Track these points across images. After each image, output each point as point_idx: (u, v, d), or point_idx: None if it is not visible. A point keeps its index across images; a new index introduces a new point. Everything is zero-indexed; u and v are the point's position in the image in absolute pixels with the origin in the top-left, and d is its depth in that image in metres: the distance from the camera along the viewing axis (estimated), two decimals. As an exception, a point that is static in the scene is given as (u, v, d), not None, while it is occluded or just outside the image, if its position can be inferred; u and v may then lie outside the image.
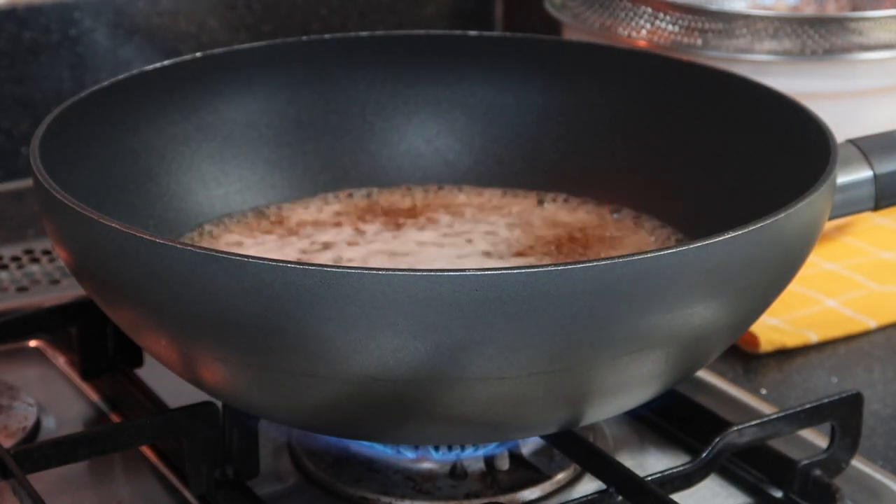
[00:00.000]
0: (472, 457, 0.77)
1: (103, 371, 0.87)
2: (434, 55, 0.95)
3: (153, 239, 0.65)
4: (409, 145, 0.95)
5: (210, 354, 0.68)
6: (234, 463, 0.75)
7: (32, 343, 0.92)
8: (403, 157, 0.95)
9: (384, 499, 0.76)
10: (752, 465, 0.79)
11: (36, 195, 0.73)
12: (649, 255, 0.64)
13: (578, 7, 1.07)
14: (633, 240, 0.87)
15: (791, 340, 0.93)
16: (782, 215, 0.68)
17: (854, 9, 1.13)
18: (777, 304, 0.74)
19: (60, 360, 0.91)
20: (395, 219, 0.90)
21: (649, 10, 1.02)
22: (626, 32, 1.03)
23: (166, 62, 0.90)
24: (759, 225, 0.67)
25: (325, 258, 0.85)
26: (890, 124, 0.87)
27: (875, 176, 0.79)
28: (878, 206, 0.80)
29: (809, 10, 1.14)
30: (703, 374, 0.87)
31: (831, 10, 1.14)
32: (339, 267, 0.62)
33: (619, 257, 0.63)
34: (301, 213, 0.90)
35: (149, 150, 0.87)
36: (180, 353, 0.70)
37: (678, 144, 0.88)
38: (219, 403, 0.74)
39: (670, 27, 1.01)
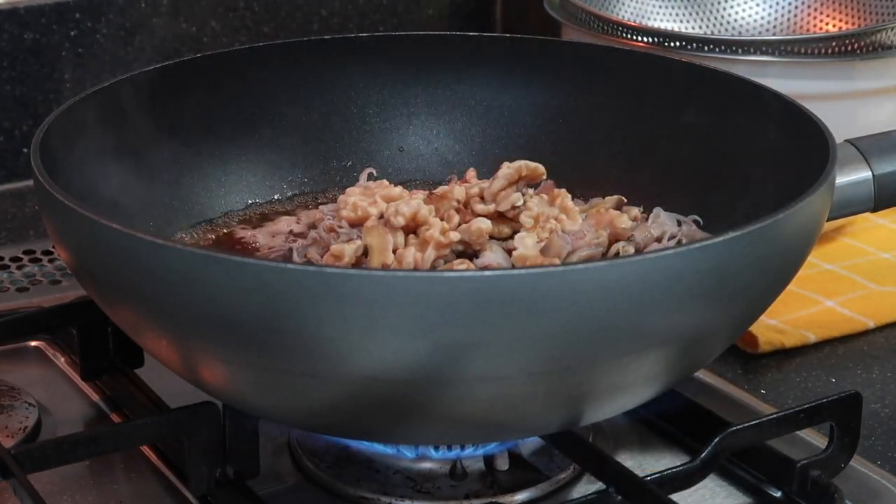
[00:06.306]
0: (472, 456, 0.77)
1: (104, 371, 0.87)
2: (434, 55, 0.95)
3: (153, 239, 0.65)
4: (409, 145, 0.95)
5: (210, 354, 0.68)
6: (234, 463, 0.75)
7: (33, 343, 0.92)
8: (403, 157, 0.95)
9: (384, 499, 0.76)
10: (751, 465, 0.79)
11: (36, 195, 0.73)
12: (649, 256, 0.64)
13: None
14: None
15: (790, 341, 0.93)
16: (782, 215, 0.68)
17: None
18: (776, 305, 0.74)
19: (61, 360, 0.91)
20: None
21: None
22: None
23: (166, 62, 0.90)
24: (758, 225, 0.67)
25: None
26: (889, 125, 0.87)
27: (874, 176, 0.79)
28: (877, 206, 0.80)
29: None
30: (703, 374, 0.87)
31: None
32: (339, 267, 0.63)
33: (619, 257, 0.63)
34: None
35: (149, 151, 0.87)
36: (180, 353, 0.70)
37: (678, 144, 0.88)
38: (219, 403, 0.74)
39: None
